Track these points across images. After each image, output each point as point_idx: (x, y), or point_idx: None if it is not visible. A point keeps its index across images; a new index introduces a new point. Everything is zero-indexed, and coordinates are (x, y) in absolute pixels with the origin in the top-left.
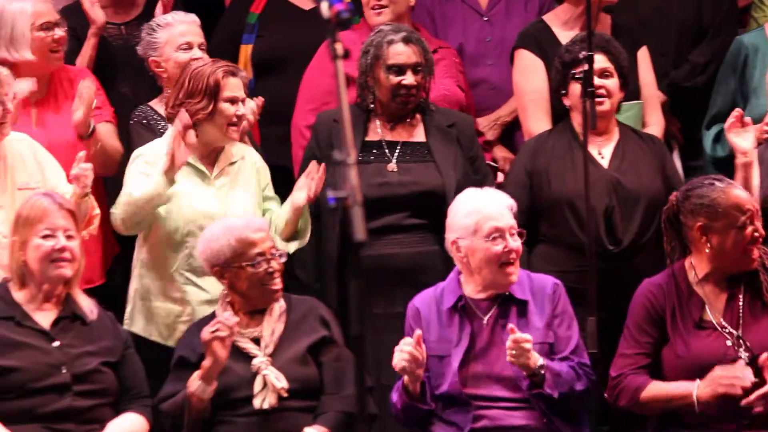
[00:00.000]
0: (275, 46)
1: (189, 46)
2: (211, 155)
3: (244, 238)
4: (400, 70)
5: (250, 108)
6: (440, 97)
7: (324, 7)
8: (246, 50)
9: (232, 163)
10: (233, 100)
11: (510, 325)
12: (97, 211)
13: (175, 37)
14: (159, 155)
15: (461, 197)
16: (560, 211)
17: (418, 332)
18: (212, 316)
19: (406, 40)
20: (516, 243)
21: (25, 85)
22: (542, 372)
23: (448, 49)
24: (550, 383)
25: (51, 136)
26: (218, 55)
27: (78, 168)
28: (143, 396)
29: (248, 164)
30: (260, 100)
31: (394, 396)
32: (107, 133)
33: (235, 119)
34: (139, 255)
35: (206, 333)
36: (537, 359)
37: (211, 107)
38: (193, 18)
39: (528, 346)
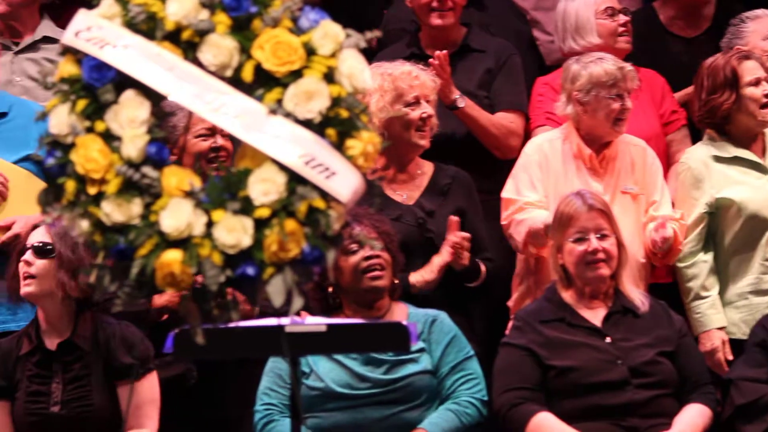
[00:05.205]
0: None
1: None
2: (754, 143)
3: None
4: None
5: None
6: None
7: None
8: None
9: None
10: (756, 82)
11: None
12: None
13: (764, 28)
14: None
15: None
16: None
17: None
18: None
19: None
20: None
21: None
22: None
23: None
24: None
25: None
26: None
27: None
28: (704, 383)
29: None
30: None
31: None
32: (684, 138)
33: (765, 100)
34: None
35: None
36: None
37: (734, 97)
38: None
39: None
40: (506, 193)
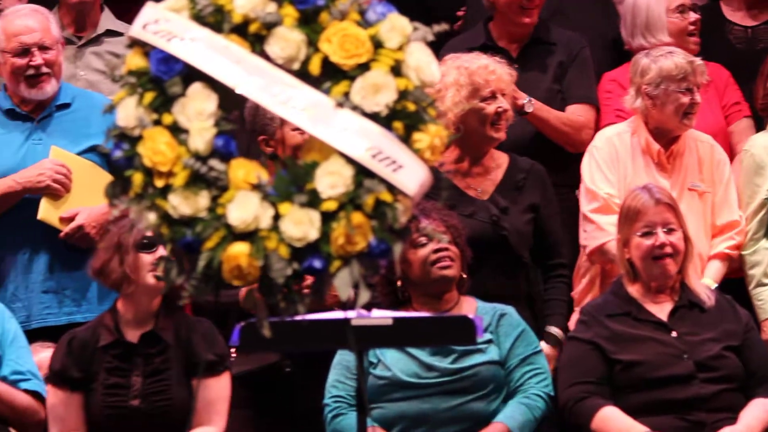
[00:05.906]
0: None
1: None
2: None
3: None
4: None
5: None
6: None
7: None
8: None
9: None
10: None
11: None
12: None
13: None
14: None
15: None
16: None
17: None
18: None
19: None
20: None
21: None
22: None
23: None
24: None
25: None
26: None
27: None
28: None
29: None
30: None
31: None
32: (745, 129)
33: None
34: None
35: None
36: None
37: None
38: None
39: None
40: (586, 181)
